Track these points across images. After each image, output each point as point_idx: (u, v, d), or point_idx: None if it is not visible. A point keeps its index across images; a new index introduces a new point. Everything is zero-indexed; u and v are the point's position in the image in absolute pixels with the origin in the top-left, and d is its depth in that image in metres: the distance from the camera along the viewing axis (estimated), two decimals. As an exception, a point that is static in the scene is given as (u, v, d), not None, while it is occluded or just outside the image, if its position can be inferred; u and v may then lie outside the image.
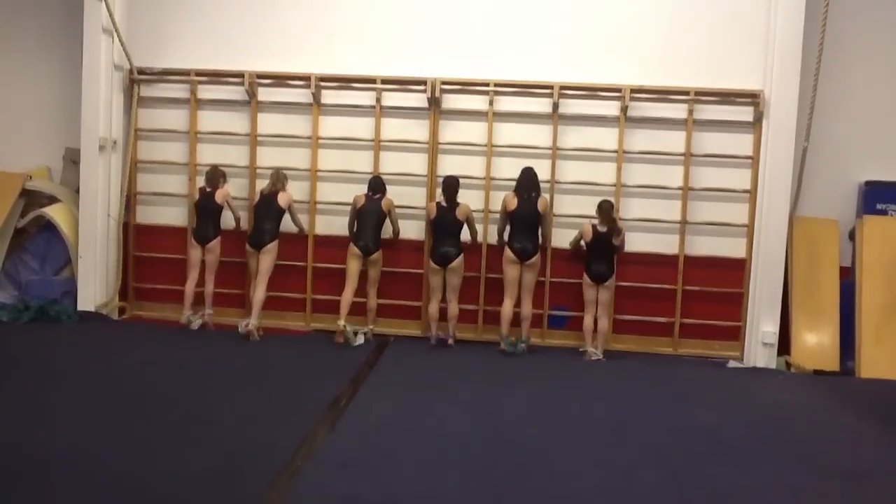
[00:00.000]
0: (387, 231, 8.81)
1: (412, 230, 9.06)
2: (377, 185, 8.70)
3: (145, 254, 9.46)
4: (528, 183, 8.44)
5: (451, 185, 8.49)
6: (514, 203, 8.40)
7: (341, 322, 8.40)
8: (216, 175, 8.83)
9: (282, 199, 8.63)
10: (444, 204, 8.47)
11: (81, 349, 7.86)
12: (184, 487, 4.39)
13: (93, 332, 8.60)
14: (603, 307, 8.44)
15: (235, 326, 8.62)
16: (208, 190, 8.77)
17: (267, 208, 8.61)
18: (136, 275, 9.51)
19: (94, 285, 9.15)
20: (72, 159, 9.60)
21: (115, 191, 9.34)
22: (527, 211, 8.36)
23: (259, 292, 8.53)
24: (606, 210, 8.36)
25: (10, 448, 4.86)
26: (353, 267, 8.57)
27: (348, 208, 8.74)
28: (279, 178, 8.74)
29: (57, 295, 9.14)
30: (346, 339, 8.39)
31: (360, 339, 8.54)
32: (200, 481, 4.49)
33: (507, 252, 8.38)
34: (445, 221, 8.46)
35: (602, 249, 8.34)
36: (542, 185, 8.67)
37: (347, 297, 8.54)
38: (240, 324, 8.53)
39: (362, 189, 8.76)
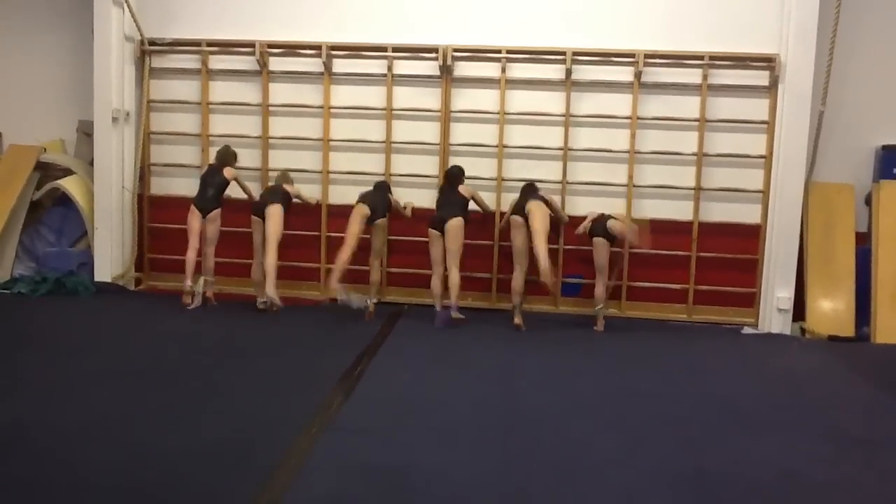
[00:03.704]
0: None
1: (424, 198, 9.00)
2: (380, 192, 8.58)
3: (160, 225, 9.50)
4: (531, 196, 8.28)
5: (452, 174, 8.45)
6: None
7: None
8: (228, 154, 8.78)
9: (288, 189, 8.66)
10: (447, 185, 8.44)
11: (98, 320, 7.94)
12: (200, 457, 4.43)
13: (109, 303, 8.69)
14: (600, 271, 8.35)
15: (247, 297, 8.72)
16: (216, 165, 8.73)
17: (273, 190, 8.62)
18: (151, 246, 9.57)
19: (110, 257, 9.24)
20: (85, 131, 9.64)
21: (129, 162, 9.37)
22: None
23: (269, 259, 8.27)
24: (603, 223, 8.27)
25: (27, 419, 4.91)
26: (353, 228, 8.17)
27: (361, 178, 8.80)
28: (286, 178, 8.78)
29: (73, 267, 9.23)
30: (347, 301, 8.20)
31: (360, 303, 8.32)
32: (217, 450, 4.53)
33: (513, 218, 8.19)
34: (446, 196, 8.38)
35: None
36: (554, 151, 8.74)
37: (343, 257, 8.16)
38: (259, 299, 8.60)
39: (374, 159, 8.87)
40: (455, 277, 8.20)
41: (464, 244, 8.24)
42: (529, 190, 8.34)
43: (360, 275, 8.50)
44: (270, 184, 8.85)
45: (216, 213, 8.62)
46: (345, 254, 8.07)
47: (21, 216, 9.37)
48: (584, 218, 8.60)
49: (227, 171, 8.66)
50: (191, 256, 8.64)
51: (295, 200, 8.71)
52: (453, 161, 8.83)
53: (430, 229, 8.30)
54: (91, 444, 4.57)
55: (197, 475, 4.22)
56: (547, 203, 8.24)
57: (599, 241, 8.22)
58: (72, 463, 4.31)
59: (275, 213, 8.33)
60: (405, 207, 8.84)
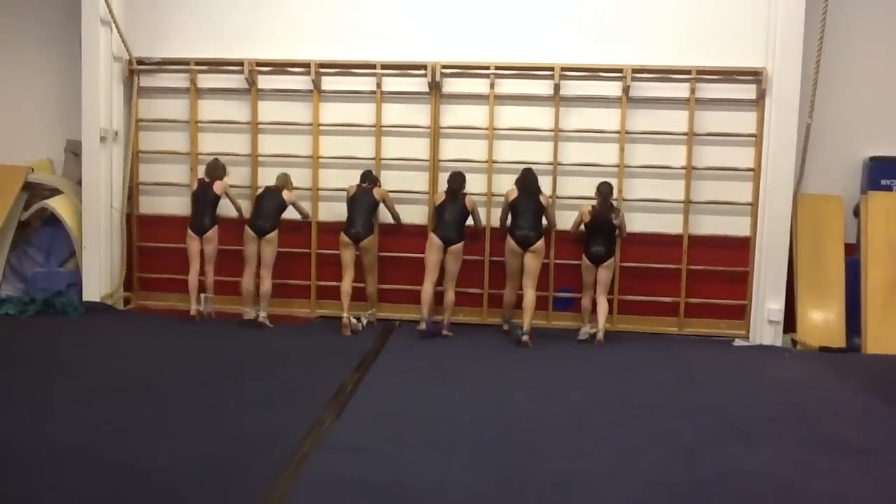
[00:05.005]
0: (386, 219, 8.88)
1: (415, 215, 9.05)
2: (368, 177, 8.66)
3: (149, 244, 9.46)
4: (528, 184, 8.33)
5: (456, 180, 8.41)
6: (514, 194, 8.34)
7: (345, 315, 8.37)
8: (216, 167, 8.82)
9: (285, 195, 8.64)
10: (450, 195, 8.39)
11: (88, 340, 7.87)
12: (192, 475, 4.40)
13: (99, 323, 8.62)
14: (602, 287, 8.35)
15: (239, 315, 8.70)
16: (207, 181, 8.75)
17: (270, 200, 8.62)
18: (140, 265, 9.52)
19: (99, 276, 9.16)
20: (73, 151, 9.59)
21: (118, 182, 9.33)
22: (528, 202, 8.27)
23: (266, 284, 8.59)
24: (605, 193, 8.31)
25: (19, 438, 4.87)
26: (346, 256, 8.49)
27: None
28: (286, 180, 8.76)
29: (62, 287, 9.16)
30: (353, 331, 8.35)
31: (363, 323, 8.58)
32: (209, 469, 4.50)
33: (509, 241, 8.27)
34: (450, 210, 8.36)
35: (601, 231, 8.28)
36: (543, 166, 8.71)
37: (346, 287, 8.47)
38: (247, 313, 8.68)
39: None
40: (451, 296, 8.39)
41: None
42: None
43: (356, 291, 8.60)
44: (269, 185, 8.80)
45: (213, 232, 8.72)
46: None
47: (9, 237, 9.29)
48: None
49: (217, 186, 8.69)
50: (193, 279, 8.75)
51: (289, 211, 8.73)
52: (443, 178, 8.76)
53: (432, 236, 8.33)
54: (81, 462, 4.53)
55: (190, 493, 4.18)
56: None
57: (588, 264, 8.32)
58: (64, 481, 4.27)
59: (272, 239, 8.53)
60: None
